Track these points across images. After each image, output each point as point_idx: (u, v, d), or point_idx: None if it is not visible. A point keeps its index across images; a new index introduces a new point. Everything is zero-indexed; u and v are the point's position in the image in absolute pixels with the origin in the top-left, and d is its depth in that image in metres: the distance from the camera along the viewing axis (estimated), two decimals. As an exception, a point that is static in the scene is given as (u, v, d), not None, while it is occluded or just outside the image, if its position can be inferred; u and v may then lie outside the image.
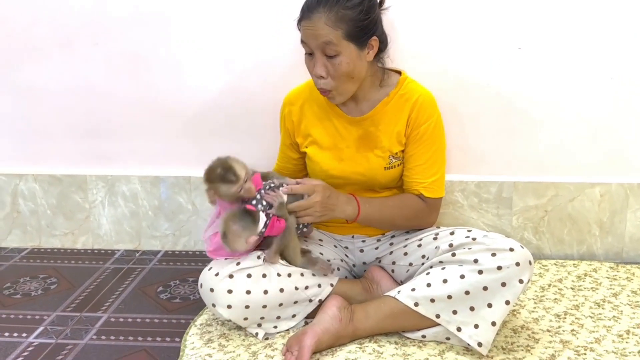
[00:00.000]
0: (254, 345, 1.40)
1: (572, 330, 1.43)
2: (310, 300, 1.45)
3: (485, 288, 1.30)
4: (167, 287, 1.73)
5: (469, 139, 1.80)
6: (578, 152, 1.80)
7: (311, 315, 1.46)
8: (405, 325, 1.38)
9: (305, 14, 1.37)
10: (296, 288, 1.42)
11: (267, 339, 1.43)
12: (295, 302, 1.44)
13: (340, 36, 1.35)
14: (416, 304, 1.34)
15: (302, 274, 1.44)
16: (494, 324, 1.31)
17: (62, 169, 1.97)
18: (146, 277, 1.80)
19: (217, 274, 1.38)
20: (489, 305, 1.30)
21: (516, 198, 1.82)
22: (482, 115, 1.79)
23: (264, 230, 1.38)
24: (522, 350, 1.35)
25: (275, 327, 1.44)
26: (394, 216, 1.51)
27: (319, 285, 1.46)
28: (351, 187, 1.54)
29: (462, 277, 1.31)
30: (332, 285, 1.48)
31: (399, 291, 1.38)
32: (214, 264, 1.42)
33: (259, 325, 1.42)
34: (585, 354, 1.34)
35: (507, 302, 1.30)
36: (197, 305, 1.61)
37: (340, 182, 1.53)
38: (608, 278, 1.70)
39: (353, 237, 1.62)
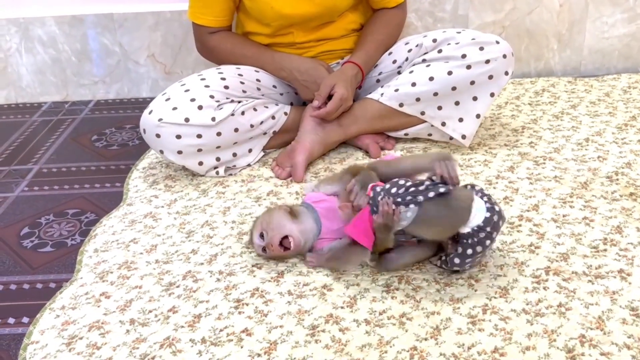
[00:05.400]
0: (204, 183, 1.32)
1: (531, 142, 1.39)
2: (265, 133, 1.37)
3: (472, 82, 1.28)
4: (103, 135, 1.60)
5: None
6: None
7: (267, 147, 1.40)
8: (391, 125, 1.38)
9: None
10: (251, 126, 1.32)
11: (230, 175, 1.34)
12: (251, 138, 1.35)
13: None
14: (401, 105, 1.33)
15: (255, 109, 1.33)
16: (478, 116, 1.32)
17: (-36, 14, 1.72)
18: (78, 127, 1.65)
19: (160, 119, 1.24)
20: (474, 99, 1.30)
21: (472, 15, 1.70)
22: None
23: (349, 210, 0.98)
24: (480, 165, 1.31)
25: (234, 165, 1.35)
26: (388, 45, 1.44)
27: (273, 117, 1.36)
28: (308, 25, 1.37)
29: (450, 73, 1.28)
30: (285, 114, 1.39)
31: (382, 94, 1.35)
32: (154, 107, 1.27)
33: (216, 167, 1.33)
34: (544, 163, 1.30)
35: (492, 95, 1.31)
36: (138, 150, 1.49)
37: (295, 21, 1.35)
38: (566, 92, 1.65)
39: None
